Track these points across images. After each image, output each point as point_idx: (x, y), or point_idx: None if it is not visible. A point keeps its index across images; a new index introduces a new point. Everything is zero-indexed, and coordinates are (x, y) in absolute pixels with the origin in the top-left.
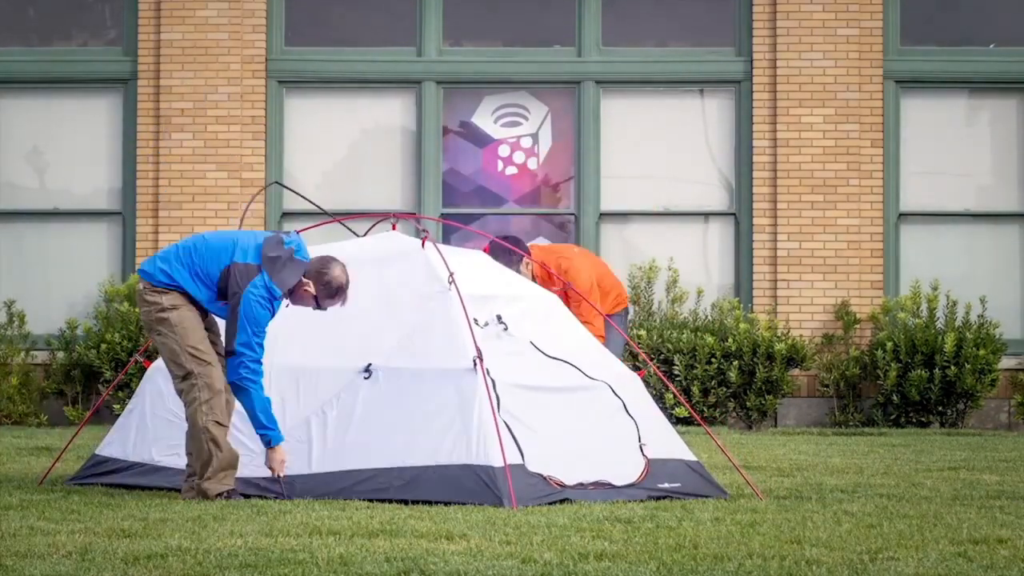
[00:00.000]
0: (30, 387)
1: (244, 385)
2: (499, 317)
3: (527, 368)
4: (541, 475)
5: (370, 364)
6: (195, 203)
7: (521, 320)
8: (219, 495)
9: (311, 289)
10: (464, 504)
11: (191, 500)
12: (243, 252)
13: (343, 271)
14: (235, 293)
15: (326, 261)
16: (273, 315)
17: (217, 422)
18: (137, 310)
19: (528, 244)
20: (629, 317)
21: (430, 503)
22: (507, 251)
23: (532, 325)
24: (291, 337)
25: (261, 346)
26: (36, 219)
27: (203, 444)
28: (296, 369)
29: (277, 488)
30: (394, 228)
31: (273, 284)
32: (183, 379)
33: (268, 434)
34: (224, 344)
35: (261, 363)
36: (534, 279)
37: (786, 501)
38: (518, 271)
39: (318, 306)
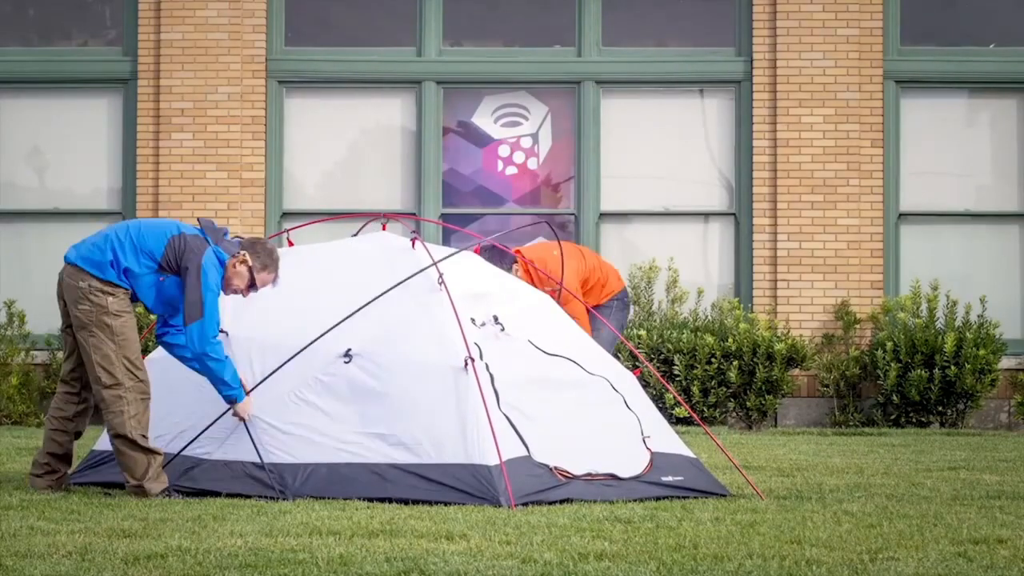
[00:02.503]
0: (30, 387)
1: (215, 355)
2: (496, 318)
3: (527, 364)
4: (547, 466)
5: (349, 349)
6: (195, 203)
7: (517, 319)
8: (161, 492)
9: (248, 260)
10: (463, 504)
11: (137, 500)
12: (186, 227)
13: (275, 247)
14: (189, 263)
15: (257, 238)
16: (219, 288)
17: (143, 435)
18: (137, 309)
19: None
20: (630, 314)
21: (430, 503)
22: (500, 254)
23: (529, 324)
24: (266, 315)
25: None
26: (36, 219)
27: (137, 453)
28: (269, 346)
29: (270, 480)
30: (384, 228)
31: (220, 251)
32: (109, 387)
33: (235, 393)
34: (186, 313)
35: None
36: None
37: (786, 501)
38: (509, 271)
39: (252, 285)
